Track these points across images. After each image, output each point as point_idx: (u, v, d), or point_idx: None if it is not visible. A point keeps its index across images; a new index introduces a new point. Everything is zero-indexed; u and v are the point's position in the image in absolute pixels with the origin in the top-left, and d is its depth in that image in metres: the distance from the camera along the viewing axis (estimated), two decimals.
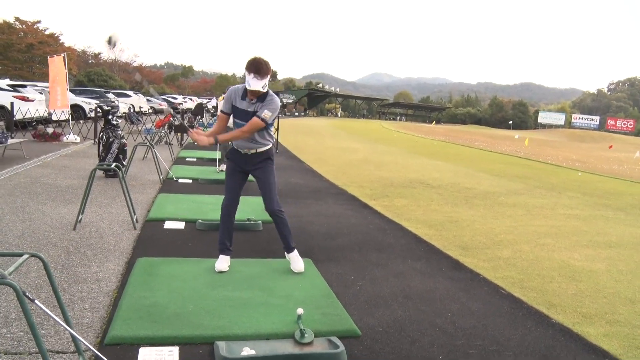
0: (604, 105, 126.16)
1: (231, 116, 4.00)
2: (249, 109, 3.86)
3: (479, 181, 11.21)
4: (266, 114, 3.78)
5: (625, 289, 4.45)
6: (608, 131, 75.91)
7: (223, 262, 4.06)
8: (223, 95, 13.59)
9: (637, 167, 20.63)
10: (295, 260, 4.18)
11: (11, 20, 43.87)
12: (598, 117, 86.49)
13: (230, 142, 4.15)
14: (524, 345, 3.17)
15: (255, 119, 3.80)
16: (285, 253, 4.26)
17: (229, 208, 4.11)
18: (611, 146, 39.91)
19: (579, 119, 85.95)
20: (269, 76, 3.74)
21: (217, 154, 9.85)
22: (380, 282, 4.13)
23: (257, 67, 3.66)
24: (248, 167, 4.06)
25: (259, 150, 4.00)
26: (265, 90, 3.76)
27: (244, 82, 3.77)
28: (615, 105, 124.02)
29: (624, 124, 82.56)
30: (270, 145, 4.09)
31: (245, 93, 3.83)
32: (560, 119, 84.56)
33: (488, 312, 3.68)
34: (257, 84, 3.67)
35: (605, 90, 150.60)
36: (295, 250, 4.22)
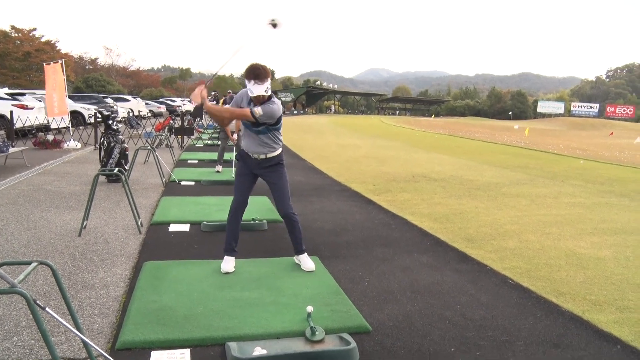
0: (602, 93, 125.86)
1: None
2: None
3: (481, 173, 11.20)
4: (257, 110, 3.77)
5: (633, 275, 4.44)
6: (608, 118, 75.74)
7: (229, 263, 4.06)
8: (225, 97, 13.45)
9: (638, 153, 20.59)
10: (306, 261, 4.19)
11: (7, 29, 43.89)
12: (597, 105, 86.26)
13: (240, 144, 4.15)
14: (534, 334, 3.17)
15: (246, 109, 3.81)
16: (295, 255, 4.27)
17: (237, 209, 4.11)
18: (612, 133, 39.88)
19: (579, 107, 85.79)
20: (269, 79, 3.78)
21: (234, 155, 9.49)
22: (387, 277, 4.13)
23: (256, 73, 3.70)
24: (258, 171, 4.06)
25: (269, 155, 4.00)
26: (268, 94, 3.79)
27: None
28: (614, 92, 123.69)
29: (624, 111, 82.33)
30: (280, 150, 4.07)
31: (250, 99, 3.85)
32: (559, 107, 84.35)
33: (497, 302, 3.68)
34: (259, 89, 3.71)
35: (604, 77, 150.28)
36: (305, 252, 4.24)
